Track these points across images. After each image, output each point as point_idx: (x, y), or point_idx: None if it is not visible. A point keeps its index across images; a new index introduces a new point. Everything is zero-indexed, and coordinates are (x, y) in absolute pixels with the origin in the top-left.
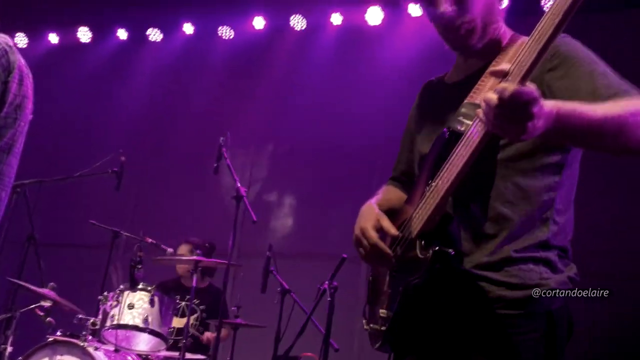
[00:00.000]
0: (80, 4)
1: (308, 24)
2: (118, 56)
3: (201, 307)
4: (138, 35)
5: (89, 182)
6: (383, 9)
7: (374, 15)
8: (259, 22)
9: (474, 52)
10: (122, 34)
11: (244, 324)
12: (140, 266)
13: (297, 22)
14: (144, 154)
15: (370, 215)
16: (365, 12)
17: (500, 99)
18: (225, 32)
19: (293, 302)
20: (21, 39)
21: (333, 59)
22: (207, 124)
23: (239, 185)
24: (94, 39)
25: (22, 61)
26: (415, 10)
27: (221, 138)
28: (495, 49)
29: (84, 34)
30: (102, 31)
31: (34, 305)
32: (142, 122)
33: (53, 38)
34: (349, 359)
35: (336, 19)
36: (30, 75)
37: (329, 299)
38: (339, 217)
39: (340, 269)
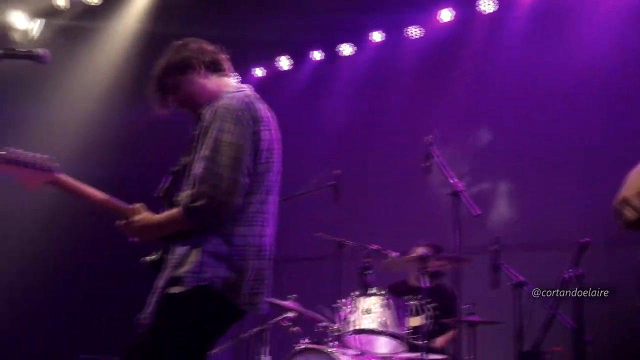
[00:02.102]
0: (280, 33)
1: (498, 4)
2: (316, 76)
3: (432, 305)
4: (331, 53)
5: (307, 198)
6: None
7: None
8: (446, 15)
9: None
10: (316, 55)
11: (481, 321)
12: (370, 271)
13: (486, 5)
14: (354, 164)
15: (634, 184)
16: None
17: None
18: (414, 31)
19: (529, 295)
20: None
21: (528, 39)
22: (410, 126)
23: (454, 180)
24: (294, 65)
25: (264, 106)
26: None
27: (427, 137)
28: None
29: (284, 62)
30: (299, 56)
31: (280, 317)
32: (348, 134)
33: (258, 72)
34: (605, 350)
35: None
36: (274, 117)
37: (574, 288)
38: (565, 202)
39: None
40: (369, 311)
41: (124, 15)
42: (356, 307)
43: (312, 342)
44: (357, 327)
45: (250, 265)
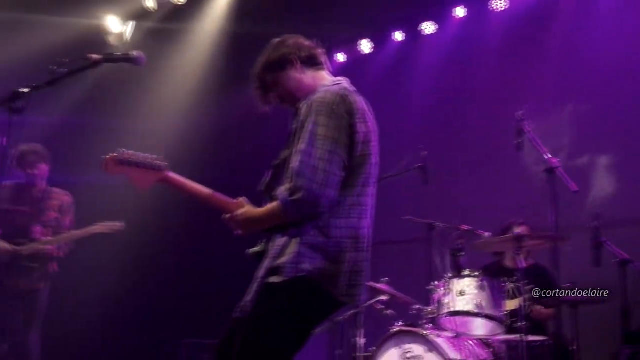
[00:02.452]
0: (361, 17)
1: None
2: (399, 58)
3: (529, 287)
4: (413, 33)
5: (395, 181)
6: None
7: None
8: None
9: None
10: (398, 36)
11: (583, 299)
12: (462, 253)
13: None
14: (442, 145)
15: None
16: None
17: None
18: (499, 4)
19: (634, 273)
20: None
21: (623, 4)
22: (499, 102)
23: (548, 156)
24: (375, 48)
25: (360, 99)
26: None
27: (518, 112)
28: None
29: (366, 46)
30: (380, 39)
31: (374, 300)
32: (434, 114)
33: (340, 57)
34: None
35: None
36: (370, 110)
37: None
38: None
39: None
40: (463, 293)
41: (208, 16)
42: (450, 289)
43: (407, 325)
44: (452, 309)
45: (348, 257)
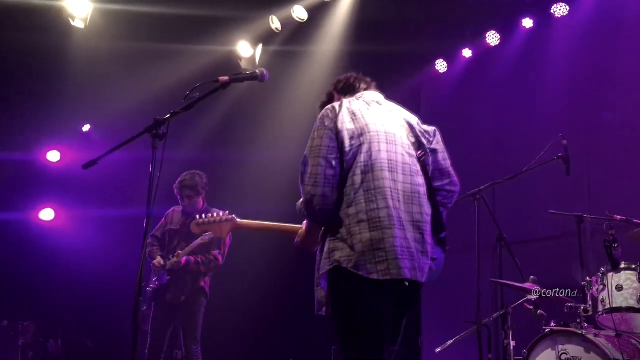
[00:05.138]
0: (486, 7)
1: None
2: (530, 45)
3: None
4: (543, 17)
5: (535, 174)
6: None
7: None
8: None
9: None
10: (527, 22)
11: None
12: (616, 245)
13: None
14: (582, 131)
15: None
16: None
17: None
18: None
19: None
20: (441, 65)
21: None
22: None
23: None
24: (502, 38)
25: (357, 103)
26: None
27: None
28: None
29: (492, 38)
30: (508, 28)
31: (522, 300)
32: (571, 100)
33: (467, 53)
34: None
35: None
36: (377, 111)
37: None
38: None
39: None
40: (621, 288)
41: (327, 35)
42: (605, 284)
43: (560, 325)
44: (610, 306)
45: (363, 238)
